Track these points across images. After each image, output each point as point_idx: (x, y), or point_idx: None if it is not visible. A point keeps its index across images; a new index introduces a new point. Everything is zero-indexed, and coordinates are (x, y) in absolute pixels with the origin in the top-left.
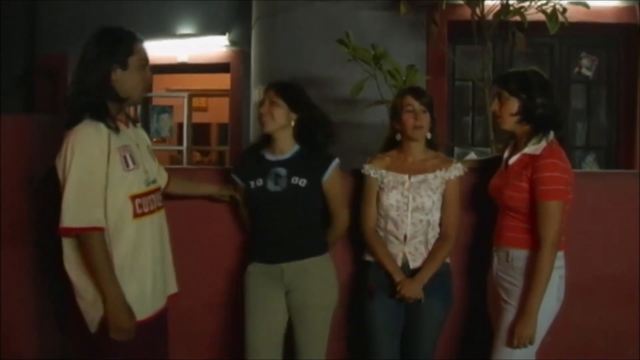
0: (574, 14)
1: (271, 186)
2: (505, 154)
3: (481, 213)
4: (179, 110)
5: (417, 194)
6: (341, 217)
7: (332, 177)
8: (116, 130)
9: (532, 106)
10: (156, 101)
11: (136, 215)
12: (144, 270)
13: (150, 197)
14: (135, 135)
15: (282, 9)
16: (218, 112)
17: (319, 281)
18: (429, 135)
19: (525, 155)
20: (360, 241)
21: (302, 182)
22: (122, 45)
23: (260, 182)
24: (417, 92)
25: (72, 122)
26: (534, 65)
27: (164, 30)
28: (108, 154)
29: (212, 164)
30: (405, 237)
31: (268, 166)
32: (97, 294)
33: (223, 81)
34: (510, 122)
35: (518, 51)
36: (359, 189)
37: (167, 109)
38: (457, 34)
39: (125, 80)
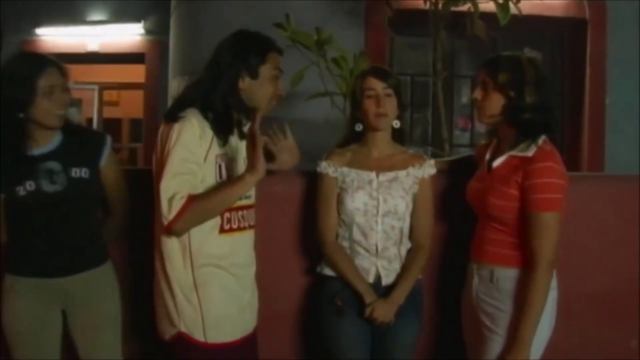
0: (520, 5)
1: (47, 186)
2: (487, 155)
3: (452, 222)
4: (89, 104)
5: (387, 194)
6: (123, 204)
7: (110, 157)
8: (224, 141)
9: (520, 107)
10: None
11: (223, 230)
12: (228, 289)
13: (240, 212)
14: (238, 146)
15: None
16: (130, 106)
17: (106, 292)
18: (396, 124)
19: (513, 157)
20: (316, 250)
21: (85, 173)
22: (255, 51)
23: (31, 185)
24: (380, 73)
25: (174, 117)
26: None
27: (72, 15)
28: (207, 152)
29: (124, 162)
30: (376, 248)
31: (34, 163)
32: (190, 303)
33: (137, 73)
34: (490, 120)
35: (459, 43)
36: (314, 192)
37: (76, 103)
38: (395, 24)
39: (253, 90)
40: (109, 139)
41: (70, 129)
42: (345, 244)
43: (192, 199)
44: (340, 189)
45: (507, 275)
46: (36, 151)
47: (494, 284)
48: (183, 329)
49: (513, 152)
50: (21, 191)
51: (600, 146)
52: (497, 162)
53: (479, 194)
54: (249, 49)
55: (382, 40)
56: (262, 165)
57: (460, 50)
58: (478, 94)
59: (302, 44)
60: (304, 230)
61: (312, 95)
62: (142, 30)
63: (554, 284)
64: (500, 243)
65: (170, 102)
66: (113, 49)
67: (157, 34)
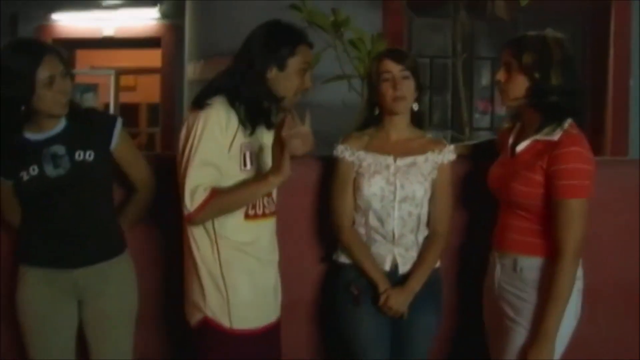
0: None
1: (50, 171)
2: (511, 139)
3: (472, 208)
4: (105, 89)
5: (405, 180)
6: (145, 186)
7: (122, 139)
8: (251, 130)
9: (544, 90)
10: (80, 79)
11: (247, 216)
12: (254, 275)
13: (266, 198)
14: (265, 136)
15: None
16: (148, 91)
17: (120, 286)
18: (415, 107)
19: (537, 141)
20: (332, 237)
21: (89, 156)
22: (285, 42)
23: (34, 169)
24: (395, 55)
25: (201, 104)
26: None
27: (87, 0)
28: (232, 141)
29: (142, 147)
30: (393, 235)
31: (38, 147)
32: (216, 289)
33: (153, 58)
34: (514, 103)
35: (479, 25)
36: (330, 177)
37: (92, 88)
38: (413, 6)
39: (280, 81)
40: (119, 120)
41: (76, 113)
42: (362, 230)
43: (215, 194)
44: (357, 174)
45: (531, 265)
46: (41, 136)
47: (518, 273)
48: (209, 314)
49: (538, 137)
50: (25, 176)
51: (624, 129)
52: (520, 147)
53: (501, 179)
54: (280, 40)
55: (399, 22)
56: (287, 167)
57: (480, 31)
58: (501, 75)
59: (318, 26)
60: (320, 217)
61: (329, 79)
62: (157, 15)
63: (579, 273)
64: (523, 231)
65: (186, 87)
66: (129, 33)
67: (173, 18)
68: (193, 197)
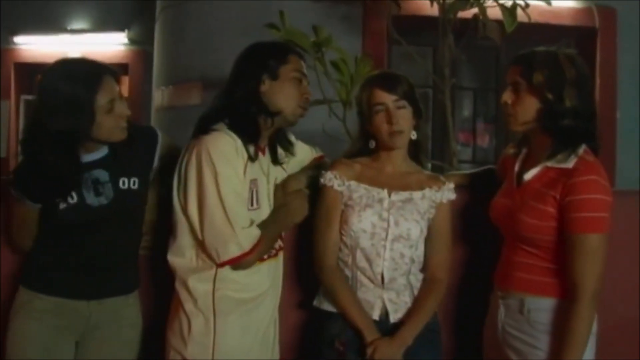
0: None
1: (92, 199)
2: (516, 166)
3: (470, 243)
4: None
5: (400, 216)
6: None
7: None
8: (255, 157)
9: (557, 112)
10: None
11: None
12: (248, 320)
13: None
14: (268, 167)
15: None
16: None
17: (129, 327)
18: (414, 136)
19: (549, 169)
20: (313, 280)
21: (134, 184)
22: (273, 54)
23: (73, 197)
24: (388, 83)
25: (204, 129)
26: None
27: (52, 24)
28: (244, 173)
29: None
30: (382, 277)
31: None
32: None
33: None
34: (523, 127)
35: (459, 55)
36: (311, 212)
37: None
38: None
39: (274, 91)
40: (159, 137)
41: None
42: (347, 272)
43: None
44: (345, 206)
45: (541, 306)
46: (84, 158)
47: (525, 315)
48: (189, 357)
49: (549, 163)
50: (61, 204)
51: (611, 161)
52: (529, 175)
53: (507, 211)
54: (269, 51)
55: (381, 47)
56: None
57: (460, 61)
58: (508, 97)
59: (297, 46)
60: (299, 255)
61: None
62: (125, 40)
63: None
64: (532, 268)
65: (154, 114)
66: (95, 58)
67: (142, 43)
68: (250, 233)
